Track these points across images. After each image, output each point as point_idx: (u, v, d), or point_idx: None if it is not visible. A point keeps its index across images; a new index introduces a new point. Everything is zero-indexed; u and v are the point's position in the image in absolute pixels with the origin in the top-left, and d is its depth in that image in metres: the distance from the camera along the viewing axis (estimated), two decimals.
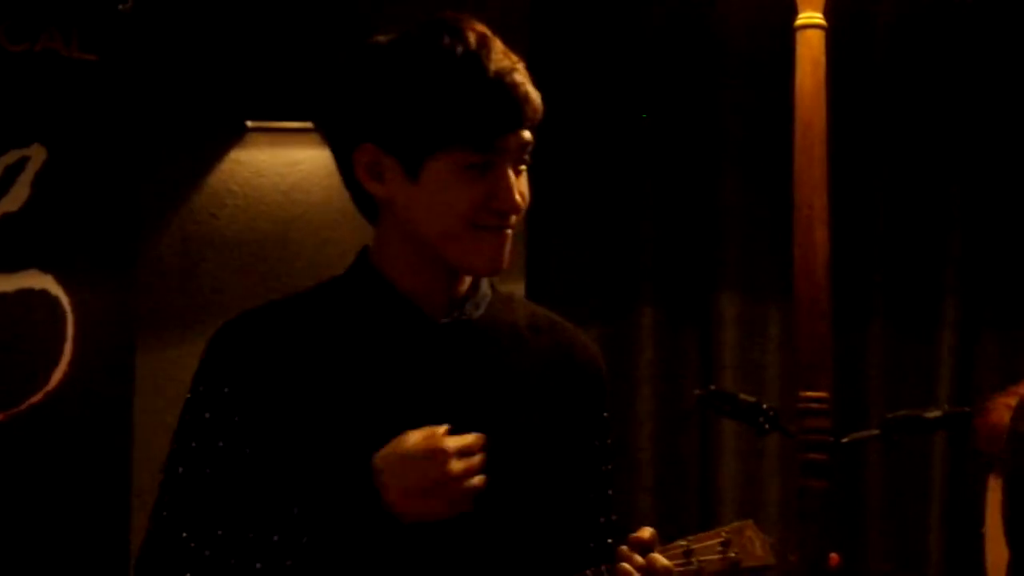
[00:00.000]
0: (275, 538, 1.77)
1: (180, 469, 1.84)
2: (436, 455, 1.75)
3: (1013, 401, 3.69)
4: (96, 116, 3.64)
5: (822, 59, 2.93)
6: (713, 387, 3.11)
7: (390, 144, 1.81)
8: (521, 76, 1.82)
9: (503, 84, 1.79)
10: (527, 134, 1.83)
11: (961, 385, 3.98)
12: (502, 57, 1.81)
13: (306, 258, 3.82)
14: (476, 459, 1.78)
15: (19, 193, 3.60)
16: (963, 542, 3.85)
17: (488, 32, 1.84)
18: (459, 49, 1.79)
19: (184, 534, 1.80)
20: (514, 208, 1.83)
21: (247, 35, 3.69)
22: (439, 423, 1.82)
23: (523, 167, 1.86)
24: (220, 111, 3.76)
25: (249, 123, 3.77)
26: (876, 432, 2.91)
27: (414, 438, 1.77)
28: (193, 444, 1.83)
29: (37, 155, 3.62)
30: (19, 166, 3.60)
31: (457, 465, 1.76)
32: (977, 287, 4.02)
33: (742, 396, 2.93)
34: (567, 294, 3.88)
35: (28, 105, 3.61)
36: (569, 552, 1.92)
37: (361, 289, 1.90)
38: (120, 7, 3.64)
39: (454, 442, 1.77)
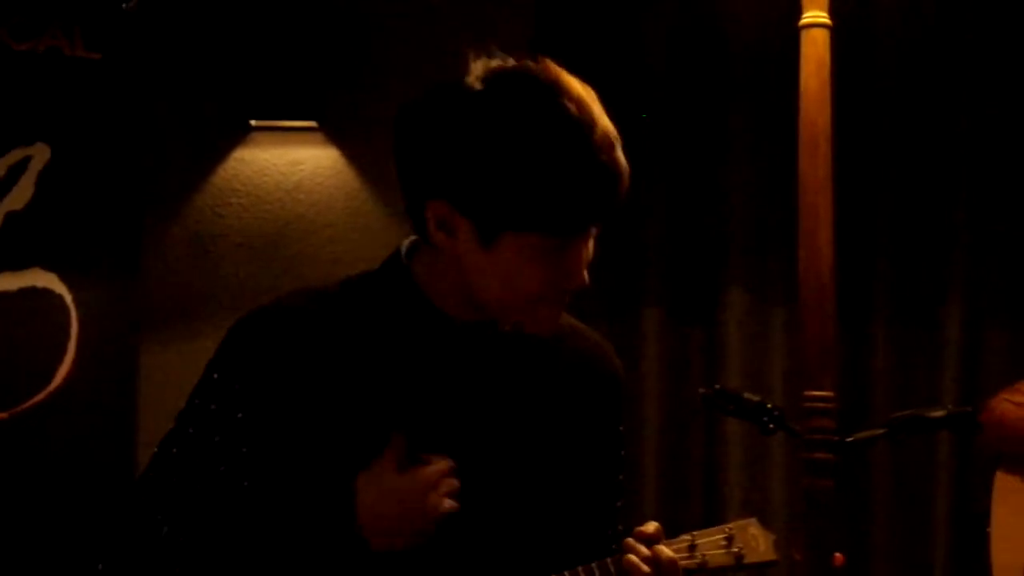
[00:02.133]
0: (243, 540, 1.76)
1: (173, 450, 1.83)
2: (415, 500, 1.74)
3: (1017, 397, 3.70)
4: (100, 115, 3.65)
5: (827, 58, 2.92)
6: (718, 386, 3.09)
7: (469, 208, 1.69)
8: (620, 158, 1.69)
9: (604, 171, 1.67)
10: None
11: (966, 384, 3.98)
12: (603, 136, 1.68)
13: (309, 256, 3.82)
14: (446, 490, 1.76)
15: (23, 192, 3.61)
16: (968, 541, 3.85)
17: (587, 97, 1.71)
18: (561, 121, 1.65)
19: (159, 516, 1.80)
20: (581, 286, 1.76)
21: (251, 34, 3.69)
22: (458, 430, 1.82)
23: (592, 240, 1.77)
24: (224, 110, 3.77)
25: (253, 122, 3.78)
26: (882, 431, 2.89)
27: (394, 478, 1.74)
28: (191, 431, 1.82)
29: (41, 154, 3.62)
30: (23, 165, 3.61)
31: (433, 500, 1.75)
32: (981, 286, 4.02)
33: (747, 395, 2.91)
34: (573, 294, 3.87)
35: (32, 104, 3.62)
36: (574, 560, 1.92)
37: (392, 294, 1.85)
38: (124, 6, 3.64)
39: (427, 473, 1.75)
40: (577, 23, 3.94)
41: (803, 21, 2.93)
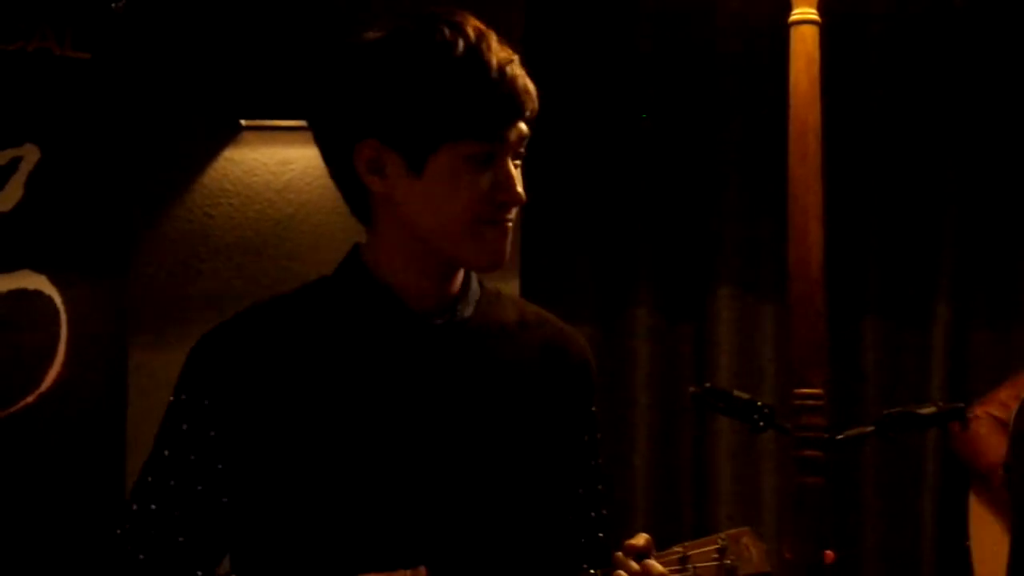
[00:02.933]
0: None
1: (149, 478, 1.84)
2: None
3: (993, 410, 3.73)
4: (89, 115, 3.63)
5: (816, 55, 2.92)
6: (708, 385, 3.10)
7: (393, 139, 1.80)
8: (519, 68, 1.83)
9: (505, 76, 1.80)
10: (525, 127, 1.84)
11: (954, 381, 3.99)
12: (500, 50, 1.81)
13: (300, 256, 3.81)
14: None
15: (12, 193, 3.59)
16: (956, 539, 3.86)
17: (483, 26, 1.84)
18: (460, 43, 1.79)
19: (141, 555, 1.82)
20: (516, 199, 1.83)
21: (240, 34, 3.68)
22: (430, 425, 1.82)
23: (519, 161, 1.86)
24: (214, 110, 3.76)
25: (243, 122, 3.77)
26: (872, 429, 2.90)
27: None
28: (166, 453, 1.83)
29: (30, 155, 3.61)
30: (12, 166, 3.60)
31: None
32: (970, 284, 4.03)
33: (737, 393, 2.92)
34: (562, 292, 3.88)
35: (21, 104, 3.60)
36: (560, 546, 1.92)
37: (351, 289, 1.89)
38: (113, 6, 3.63)
39: None
40: (568, 19, 3.94)
41: (793, 17, 2.94)
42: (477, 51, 1.79)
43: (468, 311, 1.90)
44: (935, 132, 4.02)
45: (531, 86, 1.84)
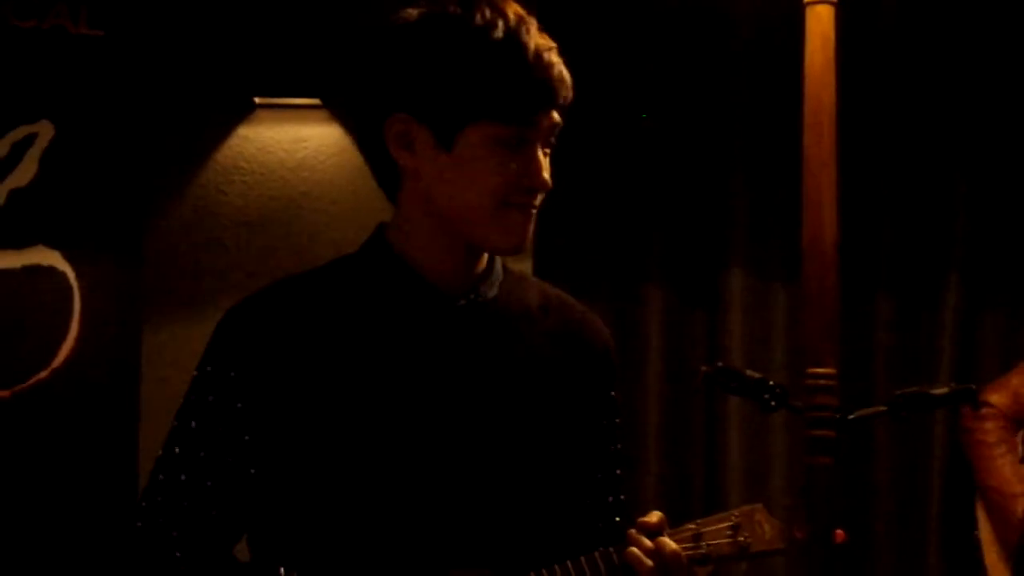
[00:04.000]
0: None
1: (176, 449, 1.85)
2: None
3: (1003, 397, 3.73)
4: (104, 92, 3.64)
5: (832, 35, 2.91)
6: (720, 364, 3.10)
7: (425, 113, 1.81)
8: (557, 57, 1.84)
9: (541, 62, 1.81)
10: (557, 115, 1.85)
11: (964, 362, 3.99)
12: (540, 36, 1.83)
13: (313, 234, 3.82)
14: None
15: (27, 169, 3.60)
16: (965, 521, 3.87)
17: (524, 11, 1.86)
18: (499, 24, 1.81)
19: (174, 532, 1.83)
20: (543, 186, 1.84)
21: (255, 12, 3.68)
22: (450, 404, 1.83)
23: (549, 149, 1.87)
24: (228, 88, 3.76)
25: (257, 100, 3.77)
26: (884, 409, 2.89)
27: None
28: (193, 424, 1.84)
29: (45, 131, 3.62)
30: (27, 142, 3.60)
31: None
32: (980, 266, 4.03)
33: (749, 373, 2.91)
34: (575, 273, 3.88)
35: (36, 81, 3.61)
36: (577, 530, 1.92)
37: (375, 267, 1.89)
38: None
39: None
40: (580, 7, 3.93)
41: None
42: (515, 34, 1.81)
43: (492, 292, 1.91)
44: (949, 113, 4.02)
45: (567, 75, 1.85)
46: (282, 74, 3.68)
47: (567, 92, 1.85)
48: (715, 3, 3.97)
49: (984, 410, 3.80)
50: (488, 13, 1.81)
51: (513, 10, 1.84)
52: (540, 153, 1.84)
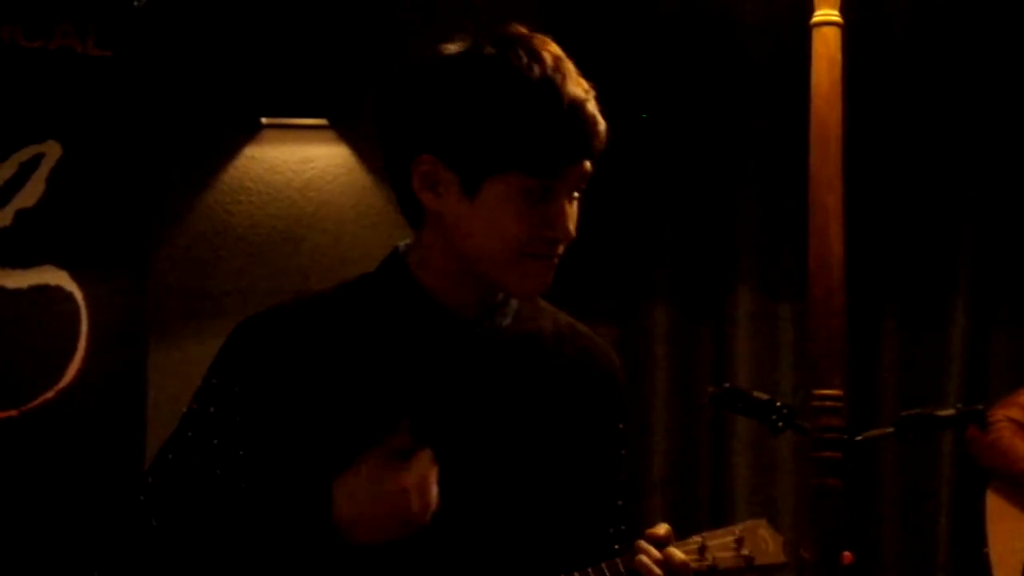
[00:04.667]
0: (232, 543, 1.78)
1: (170, 456, 1.84)
2: (393, 502, 1.74)
3: (1013, 412, 3.72)
4: (111, 113, 3.65)
5: (838, 56, 2.92)
6: (727, 385, 3.09)
7: (451, 159, 1.77)
8: (593, 107, 1.79)
9: (576, 114, 1.76)
10: (589, 164, 1.81)
11: (972, 382, 3.98)
12: (576, 85, 1.78)
13: (319, 254, 3.82)
14: (432, 484, 1.76)
15: (34, 189, 3.61)
16: (972, 540, 3.86)
17: (562, 55, 1.81)
18: (536, 71, 1.76)
19: (154, 522, 1.81)
20: (566, 237, 1.81)
21: (262, 32, 3.69)
22: (459, 431, 1.82)
23: (577, 195, 1.83)
24: (235, 108, 3.77)
25: (264, 120, 3.78)
26: (891, 430, 2.89)
27: (372, 472, 1.74)
28: (189, 434, 1.83)
29: (52, 151, 3.63)
30: (34, 162, 3.61)
31: (415, 498, 1.75)
32: (988, 285, 4.02)
33: (756, 394, 2.92)
34: (582, 292, 3.87)
35: (43, 102, 3.62)
36: (578, 560, 1.92)
37: (392, 291, 1.87)
38: (135, 3, 3.65)
39: (412, 477, 1.75)
40: (585, 20, 3.94)
41: (815, 19, 2.94)
42: (551, 82, 1.76)
43: (506, 321, 1.90)
44: (955, 133, 4.02)
45: (601, 123, 1.81)
46: (289, 94, 3.69)
47: (600, 142, 1.80)
48: (722, 24, 3.98)
49: (995, 423, 3.78)
50: (524, 58, 1.76)
51: (551, 54, 1.78)
52: (565, 204, 1.80)
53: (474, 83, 1.77)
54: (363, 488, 1.74)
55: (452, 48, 1.81)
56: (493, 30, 1.82)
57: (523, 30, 1.82)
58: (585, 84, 1.80)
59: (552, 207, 1.79)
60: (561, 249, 1.82)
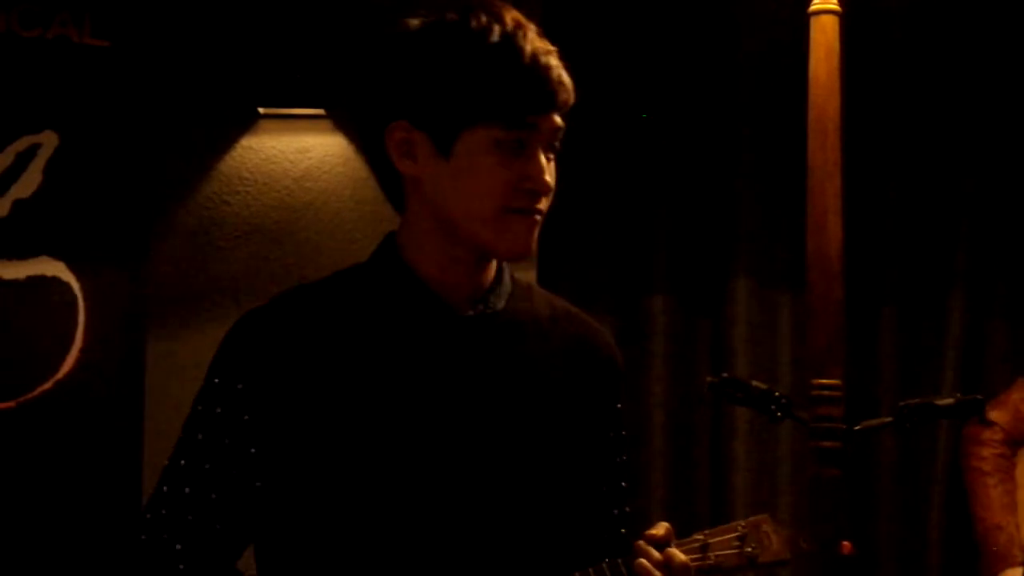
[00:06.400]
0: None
1: (182, 462, 1.84)
2: None
3: (1001, 416, 3.74)
4: (108, 103, 3.64)
5: (836, 45, 2.92)
6: (726, 375, 3.09)
7: (422, 120, 1.81)
8: (556, 60, 1.83)
9: (538, 64, 1.81)
10: (559, 119, 1.84)
11: (969, 372, 3.99)
12: (537, 40, 1.83)
13: (317, 244, 3.81)
14: None
15: (31, 179, 3.60)
16: (971, 531, 3.86)
17: (523, 17, 1.85)
18: (496, 29, 1.81)
19: (178, 545, 1.81)
20: (545, 189, 1.82)
21: (259, 21, 3.68)
22: (457, 416, 1.82)
23: (552, 154, 1.85)
24: (232, 98, 3.76)
25: (261, 110, 3.77)
26: (890, 420, 2.89)
27: None
28: (199, 437, 1.83)
29: (49, 141, 3.61)
30: (31, 152, 3.60)
31: None
32: (986, 277, 4.02)
33: (755, 383, 2.92)
34: (580, 283, 3.87)
35: (40, 91, 3.60)
36: (583, 542, 1.92)
37: (385, 277, 1.89)
38: None
39: None
40: (585, 12, 3.93)
41: (813, 8, 2.93)
42: (512, 38, 1.81)
43: (500, 304, 1.90)
44: (954, 123, 4.02)
45: (566, 78, 1.84)
46: (286, 84, 3.68)
47: (567, 95, 1.84)
48: (720, 13, 3.97)
49: (984, 434, 3.80)
50: (484, 18, 1.82)
51: (511, 16, 1.84)
52: (542, 156, 1.83)
53: (437, 45, 1.82)
54: None
55: (414, 21, 1.86)
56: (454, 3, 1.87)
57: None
58: (548, 43, 1.84)
59: (527, 159, 1.81)
60: (543, 204, 1.84)
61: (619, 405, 2.00)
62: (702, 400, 3.91)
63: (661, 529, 1.86)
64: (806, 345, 3.00)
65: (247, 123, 3.80)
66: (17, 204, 3.59)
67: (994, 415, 3.81)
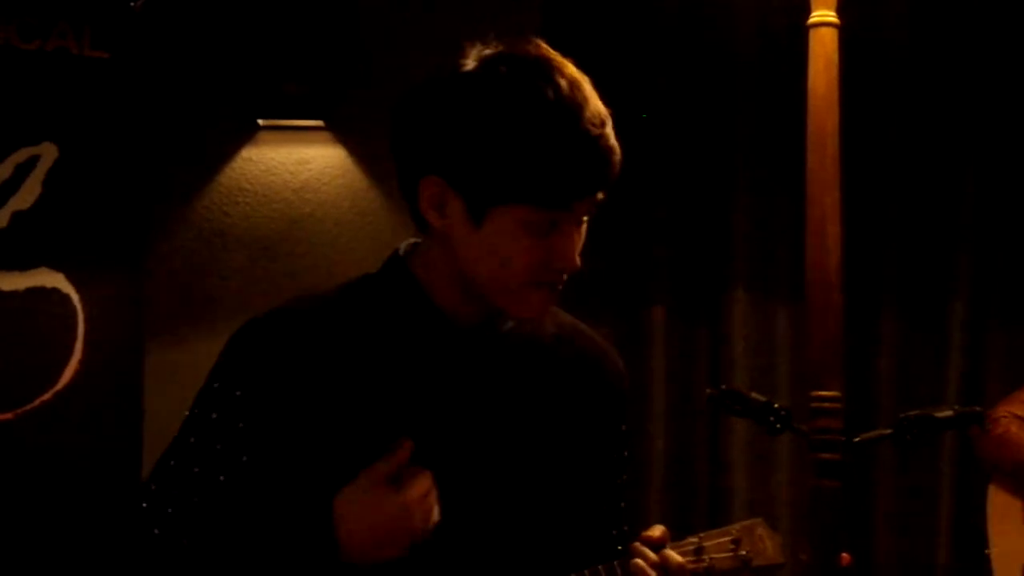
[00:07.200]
0: (234, 553, 1.77)
1: (172, 462, 1.83)
2: (394, 519, 1.73)
3: (1016, 409, 3.71)
4: (107, 114, 3.64)
5: (835, 57, 2.92)
6: (724, 387, 3.09)
7: (459, 183, 1.74)
8: (610, 136, 1.74)
9: (592, 147, 1.71)
10: (601, 195, 1.77)
11: (970, 383, 3.98)
12: (594, 114, 1.72)
13: (316, 255, 3.82)
14: (433, 499, 1.75)
15: (30, 191, 3.60)
16: (971, 543, 3.85)
17: (579, 77, 1.75)
18: (551, 97, 1.70)
19: (156, 530, 1.80)
20: (571, 268, 1.76)
21: (258, 33, 3.69)
22: (462, 435, 1.82)
23: (586, 218, 1.79)
24: (232, 109, 3.77)
25: (261, 121, 3.78)
26: (889, 432, 2.89)
27: (373, 489, 1.73)
28: (192, 440, 1.82)
29: (48, 153, 3.62)
30: (30, 164, 3.60)
31: (417, 517, 1.74)
32: (986, 286, 4.02)
33: (754, 395, 2.91)
34: (579, 293, 3.85)
35: (39, 103, 3.61)
36: (579, 559, 1.91)
37: (393, 294, 1.86)
38: (132, 5, 3.64)
39: (412, 493, 1.74)
40: (584, 22, 3.94)
41: (811, 20, 2.94)
42: (567, 112, 1.69)
43: (508, 324, 1.88)
44: (952, 133, 4.02)
45: (617, 155, 1.75)
46: (286, 96, 3.69)
47: (615, 173, 1.74)
48: (719, 24, 3.98)
49: (1001, 418, 3.77)
50: (538, 81, 1.70)
51: (566, 76, 1.72)
52: (574, 234, 1.75)
53: (484, 105, 1.72)
54: (364, 505, 1.73)
55: (470, 64, 1.75)
56: (508, 45, 1.76)
57: (539, 49, 1.76)
58: (602, 109, 1.74)
59: (560, 238, 1.75)
60: (565, 277, 1.78)
61: (624, 427, 1.99)
62: (701, 412, 3.91)
63: (657, 531, 1.85)
64: (805, 356, 3.00)
65: (247, 134, 3.81)
66: (16, 216, 3.59)
67: (1003, 411, 3.79)
